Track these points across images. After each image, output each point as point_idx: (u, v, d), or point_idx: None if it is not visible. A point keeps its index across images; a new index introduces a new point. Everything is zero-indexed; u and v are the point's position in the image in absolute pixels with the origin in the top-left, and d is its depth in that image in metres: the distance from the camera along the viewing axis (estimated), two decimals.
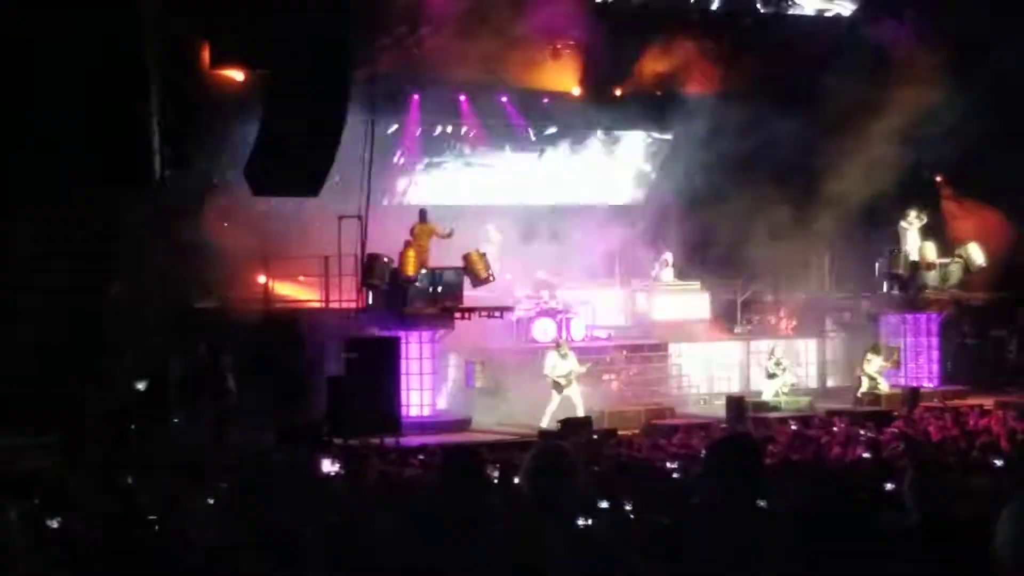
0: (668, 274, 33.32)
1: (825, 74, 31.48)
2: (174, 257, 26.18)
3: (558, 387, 27.08)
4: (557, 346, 27.74)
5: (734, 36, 32.98)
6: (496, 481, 14.25)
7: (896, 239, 32.56)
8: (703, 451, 18.89)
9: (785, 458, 17.66)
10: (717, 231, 32.67)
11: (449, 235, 28.05)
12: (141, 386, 25.28)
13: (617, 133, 35.84)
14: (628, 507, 13.01)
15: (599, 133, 35.51)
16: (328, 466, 18.03)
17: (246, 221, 27.37)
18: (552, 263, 32.07)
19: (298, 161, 21.39)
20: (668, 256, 33.42)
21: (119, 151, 20.62)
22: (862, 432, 22.33)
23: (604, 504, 12.78)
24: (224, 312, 27.17)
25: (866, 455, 18.07)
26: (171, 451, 22.38)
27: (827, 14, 34.11)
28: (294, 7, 21.12)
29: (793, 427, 24.36)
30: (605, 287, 33.55)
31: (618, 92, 33.61)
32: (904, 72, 31.96)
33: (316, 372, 26.20)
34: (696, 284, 33.54)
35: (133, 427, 24.03)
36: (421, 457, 20.09)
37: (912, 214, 32.48)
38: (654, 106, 34.07)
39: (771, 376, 30.08)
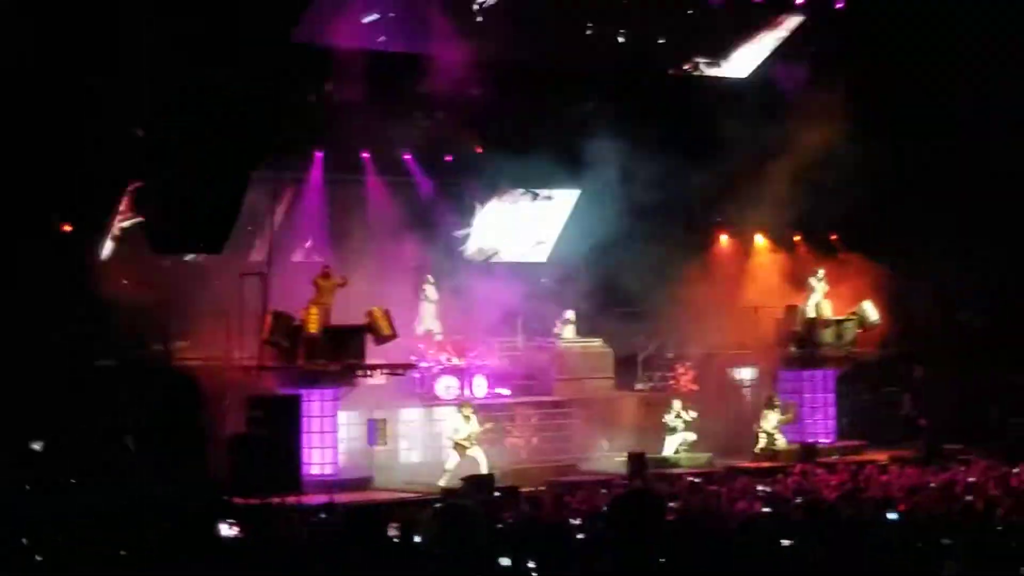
0: (570, 331, 33.46)
1: (726, 132, 31.88)
2: (75, 313, 25.95)
3: (460, 449, 27.13)
4: (460, 408, 27.77)
5: (637, 96, 33.32)
6: (396, 540, 14.25)
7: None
8: (605, 508, 19.04)
9: (685, 514, 17.81)
10: (618, 288, 32.91)
11: (343, 284, 27.91)
12: (37, 446, 24.95)
13: (520, 190, 36.10)
14: (532, 565, 13.08)
15: (503, 189, 35.74)
16: (226, 529, 17.70)
17: (147, 278, 27.20)
18: (454, 319, 32.14)
19: (200, 218, 21.38)
20: (570, 313, 33.57)
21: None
22: (760, 487, 22.56)
23: (506, 562, 12.84)
24: (124, 370, 26.94)
25: (764, 510, 18.27)
26: (70, 510, 22.08)
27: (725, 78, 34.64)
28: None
29: (693, 482, 24.54)
30: (508, 344, 33.62)
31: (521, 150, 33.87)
32: (801, 131, 32.54)
33: (217, 430, 26.01)
34: (598, 341, 33.72)
35: (28, 487, 23.68)
36: (323, 516, 20.03)
37: (821, 271, 33.00)
38: (558, 163, 34.32)
39: (672, 431, 30.30)
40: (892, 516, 15.84)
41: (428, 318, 31.89)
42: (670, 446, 30.14)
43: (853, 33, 32.95)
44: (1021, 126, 31.87)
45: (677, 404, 30.85)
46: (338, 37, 29.80)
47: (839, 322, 32.81)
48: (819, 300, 32.85)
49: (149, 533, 13.58)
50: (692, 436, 30.54)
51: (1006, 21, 31.81)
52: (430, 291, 31.99)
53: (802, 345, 32.66)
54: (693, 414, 30.72)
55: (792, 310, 32.92)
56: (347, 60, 29.92)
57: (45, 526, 17.60)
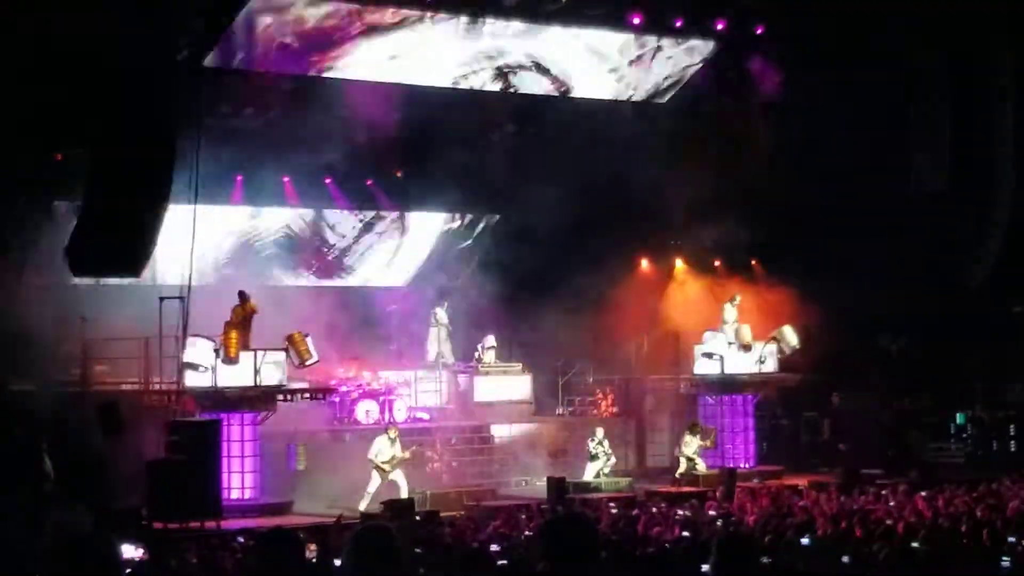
0: (490, 356, 33.49)
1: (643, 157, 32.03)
2: None
3: (381, 472, 27.03)
4: (387, 431, 27.69)
5: (542, 124, 33.44)
6: (315, 562, 14.19)
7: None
8: (526, 533, 19.06)
9: (606, 539, 17.84)
10: (538, 313, 32.99)
11: (254, 311, 27.78)
12: None
13: (439, 214, 36.20)
14: None
15: (420, 213, 35.87)
16: (131, 552, 17.47)
17: (63, 301, 26.95)
18: (372, 344, 32.14)
19: (119, 241, 21.19)
20: (490, 338, 33.59)
21: None
22: (680, 512, 22.65)
23: None
24: (41, 394, 26.65)
25: (684, 534, 18.35)
26: None
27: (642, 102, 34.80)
28: (116, 86, 21.01)
29: (613, 508, 24.60)
30: (427, 369, 33.62)
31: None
32: (719, 156, 32.77)
33: (136, 455, 25.77)
34: (518, 366, 33.77)
35: None
36: (240, 540, 19.91)
37: (737, 297, 33.20)
38: (475, 189, 34.41)
39: (593, 458, 30.35)
40: (805, 541, 15.94)
41: (438, 342, 32.13)
42: (591, 472, 30.19)
43: (772, 57, 33.19)
44: (940, 152, 32.21)
45: (599, 432, 30.90)
46: (257, 62, 29.76)
47: (759, 347, 32.99)
48: (736, 326, 33.02)
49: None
50: (612, 461, 30.59)
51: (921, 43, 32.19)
52: (441, 315, 32.34)
53: (721, 369, 32.80)
54: (606, 444, 30.71)
55: (711, 335, 33.08)
56: (265, 84, 29.91)
57: None
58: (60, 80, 22.23)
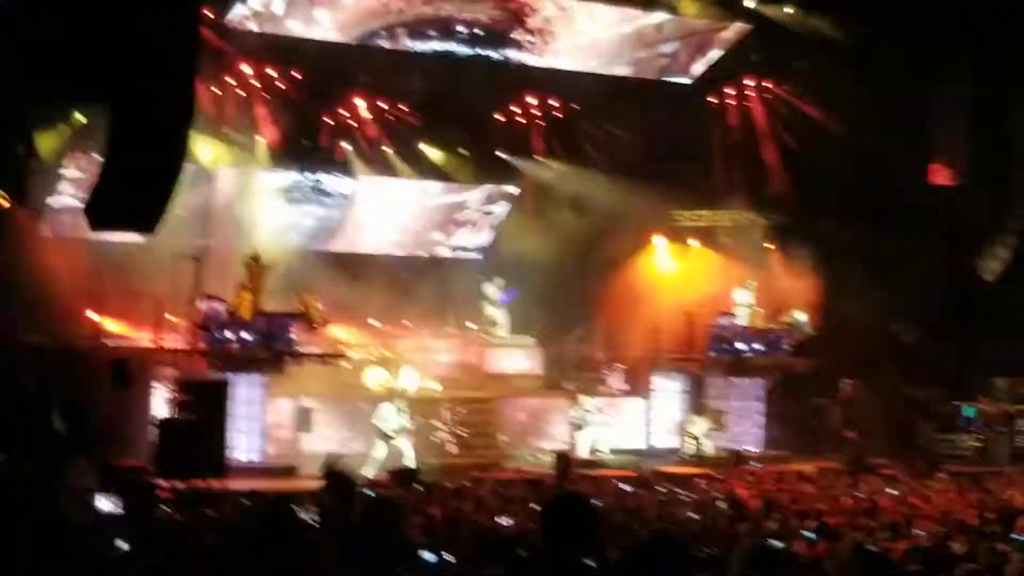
0: (502, 329, 33.62)
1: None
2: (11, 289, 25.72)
3: (385, 438, 27.03)
4: (393, 399, 27.67)
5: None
6: (317, 527, 14.16)
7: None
8: (532, 505, 19.03)
9: (609, 517, 17.82)
10: (554, 288, 33.00)
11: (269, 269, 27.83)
12: None
13: (459, 184, 36.21)
14: (454, 560, 13.04)
15: (440, 184, 35.90)
16: (106, 504, 17.30)
17: (79, 256, 26.99)
18: (385, 311, 32.13)
19: (138, 198, 21.15)
20: (502, 311, 33.72)
21: None
22: (685, 493, 22.62)
23: (430, 556, 12.79)
24: (53, 348, 26.71)
25: (690, 515, 18.32)
26: None
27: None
28: (138, 41, 20.91)
29: (618, 486, 24.56)
30: (438, 338, 33.63)
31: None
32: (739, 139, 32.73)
33: (145, 413, 25.84)
34: (529, 339, 33.75)
35: None
36: (245, 502, 19.92)
37: (751, 281, 33.12)
38: (497, 162, 34.50)
39: (578, 427, 30.31)
40: (810, 535, 15.84)
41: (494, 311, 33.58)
42: (583, 442, 30.16)
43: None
44: (959, 143, 32.14)
45: (583, 399, 30.90)
46: None
47: (771, 330, 32.94)
48: (749, 309, 32.95)
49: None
50: (603, 432, 30.54)
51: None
52: (492, 290, 33.44)
53: (732, 352, 32.76)
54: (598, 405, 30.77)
55: (724, 317, 33.03)
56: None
57: None
58: (80, 35, 22.11)
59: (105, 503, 17.15)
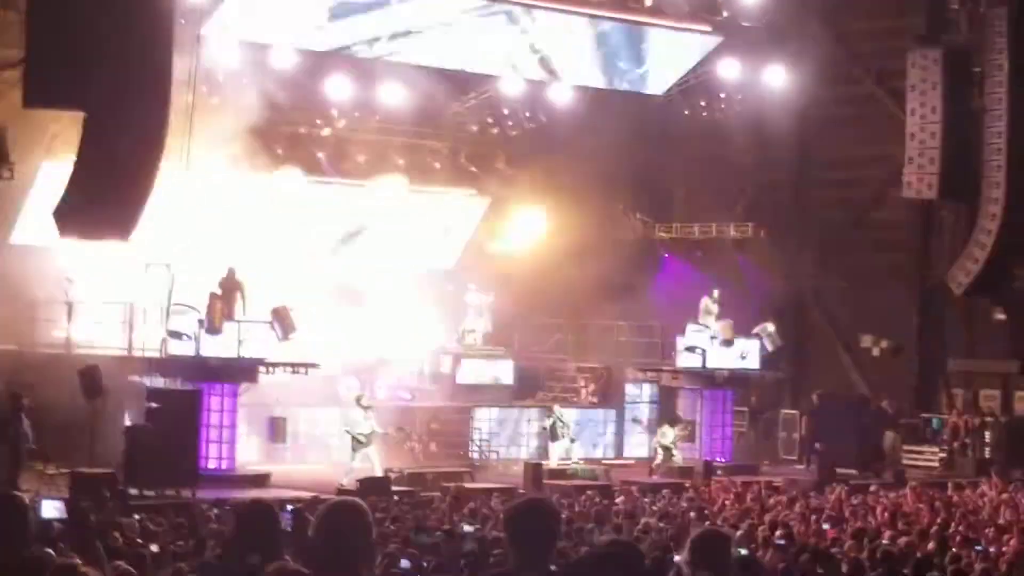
0: (475, 339, 33.75)
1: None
2: None
3: (358, 444, 26.95)
4: (358, 401, 27.60)
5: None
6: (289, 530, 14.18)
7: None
8: (501, 514, 19.10)
9: (578, 525, 17.92)
10: (529, 300, 33.12)
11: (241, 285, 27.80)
12: None
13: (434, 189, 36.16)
14: (425, 565, 13.14)
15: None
16: (51, 511, 16.96)
17: (50, 263, 26.96)
18: (358, 322, 32.11)
19: (110, 205, 21.12)
20: (477, 322, 33.89)
21: None
22: (653, 502, 22.74)
23: (405, 563, 12.88)
24: (23, 355, 26.65)
25: (659, 524, 18.41)
26: None
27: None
28: (114, 49, 20.90)
29: (587, 494, 24.63)
30: (412, 348, 33.60)
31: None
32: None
33: (115, 420, 25.73)
34: (501, 350, 33.82)
35: None
36: (215, 511, 19.97)
37: (716, 292, 33.16)
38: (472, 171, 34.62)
39: (553, 436, 30.32)
40: (780, 541, 15.95)
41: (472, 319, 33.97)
42: (556, 452, 30.21)
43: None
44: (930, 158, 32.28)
45: (557, 409, 30.99)
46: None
47: (740, 342, 33.01)
48: (720, 321, 33.01)
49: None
50: (573, 441, 30.60)
51: None
52: (474, 295, 33.86)
53: (702, 363, 32.80)
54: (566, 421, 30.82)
55: (694, 328, 33.09)
56: None
57: None
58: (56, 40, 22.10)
59: (50, 509, 16.94)
